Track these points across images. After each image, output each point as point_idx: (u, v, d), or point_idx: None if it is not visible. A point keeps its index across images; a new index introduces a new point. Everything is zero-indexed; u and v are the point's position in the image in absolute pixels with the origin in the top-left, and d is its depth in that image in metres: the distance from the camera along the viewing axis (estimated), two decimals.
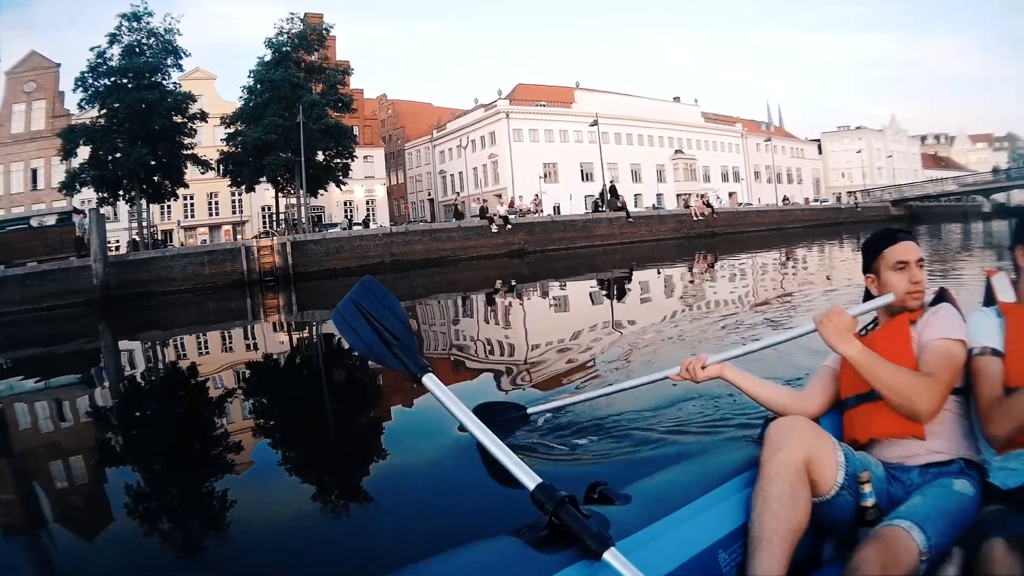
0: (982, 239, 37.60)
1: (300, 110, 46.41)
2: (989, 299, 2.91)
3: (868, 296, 3.10)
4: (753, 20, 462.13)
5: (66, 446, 7.40)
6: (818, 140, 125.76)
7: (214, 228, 73.17)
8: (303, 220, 51.89)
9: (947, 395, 2.59)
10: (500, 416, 4.33)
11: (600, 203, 56.14)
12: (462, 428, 2.59)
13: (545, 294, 20.73)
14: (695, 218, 54.28)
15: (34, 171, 66.87)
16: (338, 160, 53.45)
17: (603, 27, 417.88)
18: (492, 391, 7.32)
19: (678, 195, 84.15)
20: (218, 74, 71.05)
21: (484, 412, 4.13)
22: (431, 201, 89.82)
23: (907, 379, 2.57)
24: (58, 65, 69.29)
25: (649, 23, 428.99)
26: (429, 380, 2.70)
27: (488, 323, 15.29)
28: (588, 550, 1.91)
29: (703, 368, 3.02)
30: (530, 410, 4.37)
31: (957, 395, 2.72)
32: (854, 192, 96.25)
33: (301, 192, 50.35)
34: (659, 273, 25.36)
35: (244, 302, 28.28)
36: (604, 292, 20.17)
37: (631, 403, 5.58)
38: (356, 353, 3.46)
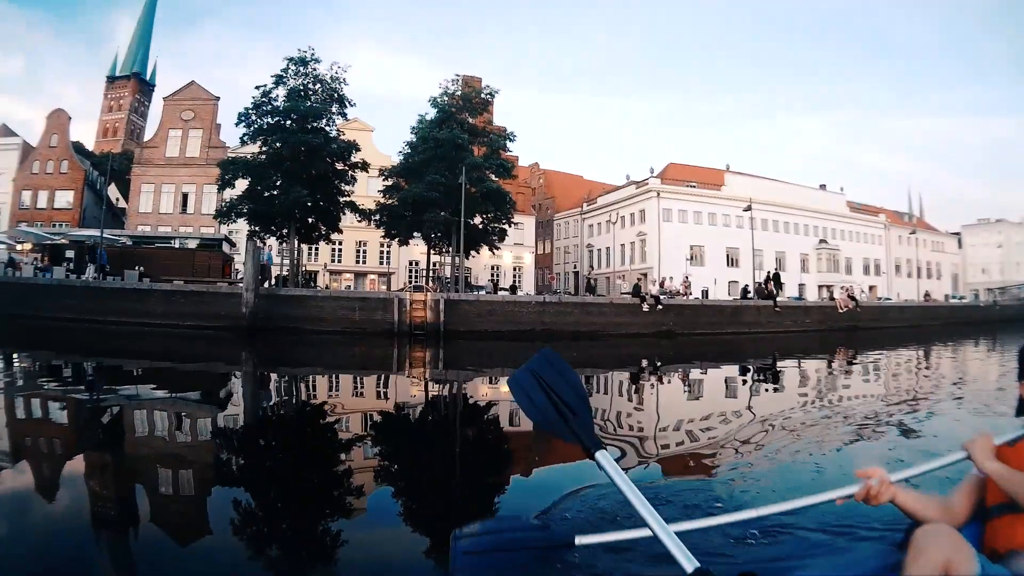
0: None
1: (463, 171, 45.98)
2: None
3: (1021, 403, 3.25)
4: (886, 104, 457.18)
5: (180, 457, 7.73)
6: (958, 234, 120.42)
7: (359, 275, 73.61)
8: (455, 279, 50.74)
9: None
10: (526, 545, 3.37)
11: (764, 290, 54.55)
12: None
13: (687, 378, 20.10)
14: (840, 311, 52.36)
15: (184, 195, 68.79)
16: (495, 224, 52.85)
17: (750, 106, 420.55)
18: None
19: (820, 286, 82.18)
20: (375, 126, 71.84)
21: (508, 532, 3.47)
22: (576, 273, 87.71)
23: None
24: (217, 99, 71.78)
25: (789, 106, 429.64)
26: (602, 457, 2.96)
27: (632, 403, 14.74)
28: None
29: (887, 487, 2.96)
30: (578, 540, 3.37)
31: None
32: (993, 289, 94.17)
33: (457, 252, 49.66)
34: (800, 365, 24.74)
35: (391, 351, 27.85)
36: (747, 381, 19.69)
37: (773, 493, 5.68)
38: (531, 421, 3.18)
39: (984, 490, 3.01)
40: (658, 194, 75.46)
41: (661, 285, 49.08)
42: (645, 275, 64.81)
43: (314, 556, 4.56)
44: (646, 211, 76.74)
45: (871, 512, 4.30)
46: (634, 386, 17.91)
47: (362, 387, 16.08)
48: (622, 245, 79.10)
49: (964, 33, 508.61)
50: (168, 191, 68.93)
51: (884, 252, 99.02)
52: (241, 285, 34.91)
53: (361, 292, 48.16)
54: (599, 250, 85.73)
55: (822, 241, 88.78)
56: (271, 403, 12.93)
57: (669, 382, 19.16)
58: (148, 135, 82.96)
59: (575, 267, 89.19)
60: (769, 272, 58.22)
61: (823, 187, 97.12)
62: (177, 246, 45.92)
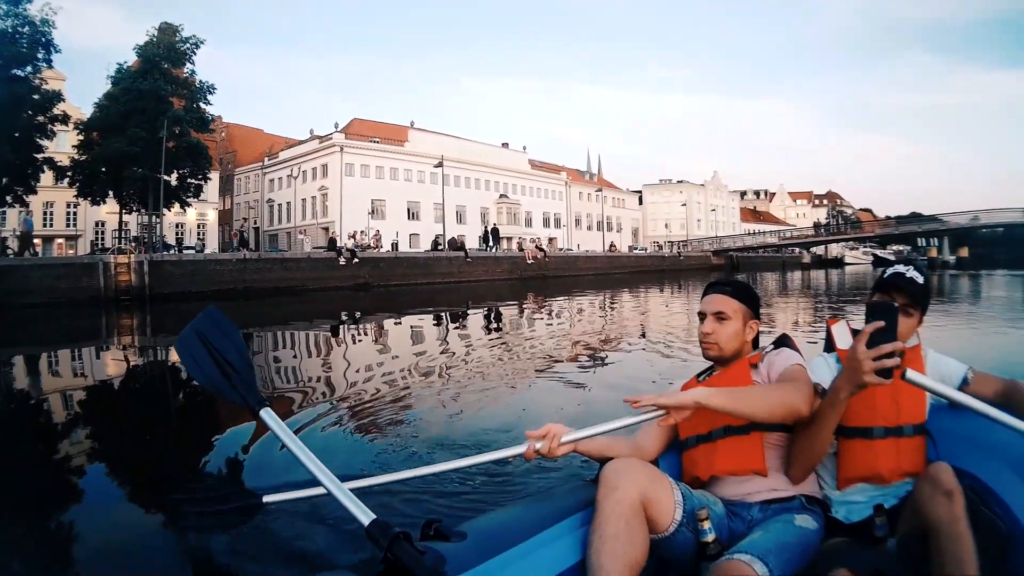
0: (799, 286, 44.45)
1: (164, 124, 47.31)
2: (829, 346, 3.19)
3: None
4: (579, 74, 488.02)
5: None
6: (639, 191, 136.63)
7: (48, 240, 69.96)
8: (154, 239, 52.27)
9: (808, 402, 2.79)
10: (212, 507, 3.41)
11: (484, 243, 63.46)
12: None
13: (381, 328, 22.13)
14: (528, 261, 59.64)
15: None
16: (191, 180, 54.77)
17: (437, 69, 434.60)
18: (327, 432, 7.40)
19: (501, 237, 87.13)
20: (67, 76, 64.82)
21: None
22: (256, 229, 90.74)
23: (773, 392, 2.83)
24: None
25: (482, 69, 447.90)
26: (266, 415, 3.05)
27: (327, 357, 15.79)
28: None
29: (557, 445, 2.83)
30: (267, 499, 3.35)
31: None
32: (676, 242, 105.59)
33: (155, 210, 51.63)
34: (492, 312, 27.47)
35: (99, 321, 27.81)
36: (442, 328, 21.70)
37: (470, 445, 6.33)
38: (196, 383, 3.67)
39: (674, 427, 3.08)
40: (341, 149, 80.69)
41: (352, 238, 52.94)
42: (327, 229, 70.89)
43: (45, 554, 4.61)
44: (329, 165, 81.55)
45: (566, 458, 4.32)
46: (334, 339, 19.53)
47: (64, 364, 15.95)
48: (303, 200, 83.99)
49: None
50: None
51: (565, 207, 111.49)
52: None
53: (64, 258, 45.63)
54: (280, 205, 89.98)
55: (502, 196, 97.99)
56: None
57: (367, 333, 21.03)
58: None
59: (255, 223, 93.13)
60: (486, 227, 68.61)
61: (506, 145, 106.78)
62: None
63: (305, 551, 4.13)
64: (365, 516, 2.39)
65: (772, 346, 3.24)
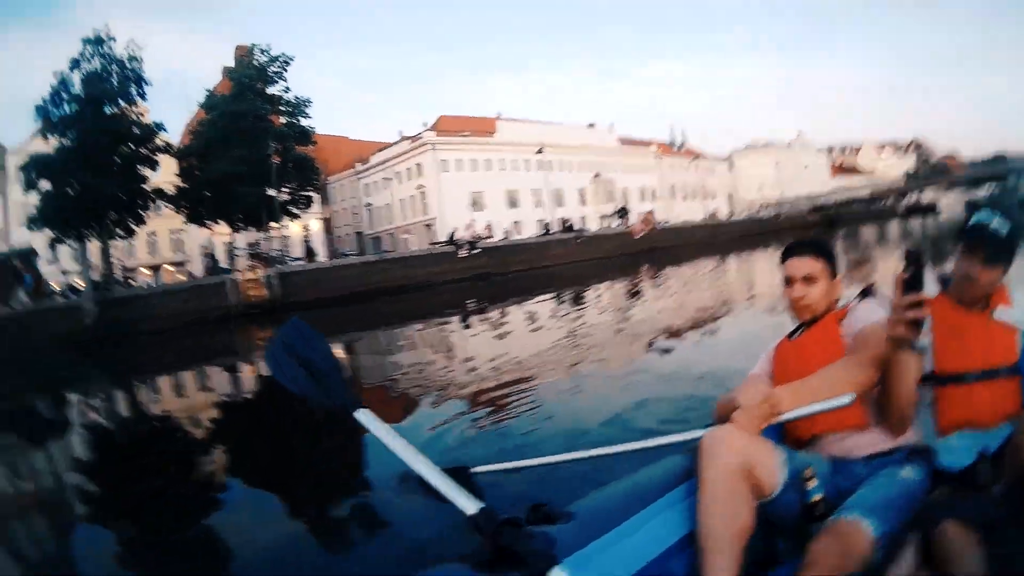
0: (899, 235, 45.22)
1: (268, 141, 48.26)
2: None
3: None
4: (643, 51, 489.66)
5: (29, 503, 7.78)
6: (728, 158, 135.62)
7: (155, 268, 71.77)
8: (271, 253, 50.99)
9: (875, 366, 2.77)
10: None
11: (620, 218, 66.87)
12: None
13: (504, 314, 22.83)
14: (635, 237, 59.94)
15: None
16: (301, 193, 55.24)
17: (517, 56, 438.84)
18: (449, 433, 7.37)
19: (601, 216, 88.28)
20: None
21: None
22: (359, 234, 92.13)
23: (839, 375, 2.84)
24: None
25: (549, 54, 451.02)
26: (362, 415, 3.17)
27: (445, 350, 16.14)
28: (534, 570, 2.15)
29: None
30: (475, 470, 4.01)
31: None
32: (771, 204, 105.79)
33: (268, 225, 52.17)
34: (609, 288, 28.42)
35: (230, 338, 29.20)
36: (564, 311, 22.11)
37: (565, 424, 6.53)
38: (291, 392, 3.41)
39: (772, 386, 3.08)
40: (433, 146, 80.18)
41: (468, 230, 53.77)
42: (429, 226, 72.58)
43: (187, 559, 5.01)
44: (423, 164, 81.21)
45: (664, 428, 5.42)
46: (454, 330, 20.30)
47: (206, 383, 16.67)
48: (401, 200, 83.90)
49: None
50: None
51: (658, 180, 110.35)
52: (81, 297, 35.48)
53: (189, 282, 46.73)
54: (379, 208, 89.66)
55: (596, 175, 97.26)
56: (129, 421, 12.84)
57: (487, 322, 21.56)
58: None
59: (356, 228, 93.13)
60: (618, 206, 72.44)
61: (592, 126, 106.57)
62: None
63: (412, 545, 4.32)
64: (472, 506, 2.46)
65: (857, 298, 3.26)
